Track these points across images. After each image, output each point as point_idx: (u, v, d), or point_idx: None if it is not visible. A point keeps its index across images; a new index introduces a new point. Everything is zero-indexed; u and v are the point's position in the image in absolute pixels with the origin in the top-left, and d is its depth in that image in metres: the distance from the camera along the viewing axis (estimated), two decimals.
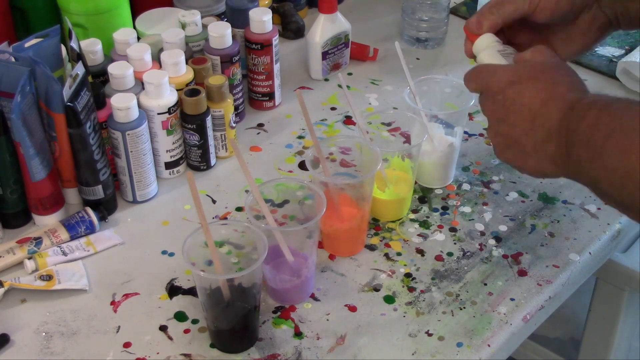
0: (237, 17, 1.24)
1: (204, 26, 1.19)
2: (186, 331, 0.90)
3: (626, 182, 0.70)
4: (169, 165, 1.10)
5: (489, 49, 0.90)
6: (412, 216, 1.05)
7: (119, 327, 0.91)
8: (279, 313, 0.92)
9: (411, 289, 0.95)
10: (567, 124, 0.75)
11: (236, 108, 1.17)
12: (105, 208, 1.04)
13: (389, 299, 0.94)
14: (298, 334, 0.90)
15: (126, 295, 0.94)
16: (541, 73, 0.80)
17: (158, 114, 1.05)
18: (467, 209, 1.06)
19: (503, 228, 1.03)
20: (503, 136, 0.82)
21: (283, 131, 1.20)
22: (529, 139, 0.79)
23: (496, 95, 0.81)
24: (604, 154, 0.71)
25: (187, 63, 1.10)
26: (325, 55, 1.29)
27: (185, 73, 1.09)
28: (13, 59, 1.00)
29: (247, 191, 1.05)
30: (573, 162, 0.75)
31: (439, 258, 0.99)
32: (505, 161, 0.84)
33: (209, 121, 1.09)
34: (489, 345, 0.89)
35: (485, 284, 0.96)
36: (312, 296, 0.94)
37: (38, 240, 0.99)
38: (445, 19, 1.39)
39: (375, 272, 0.97)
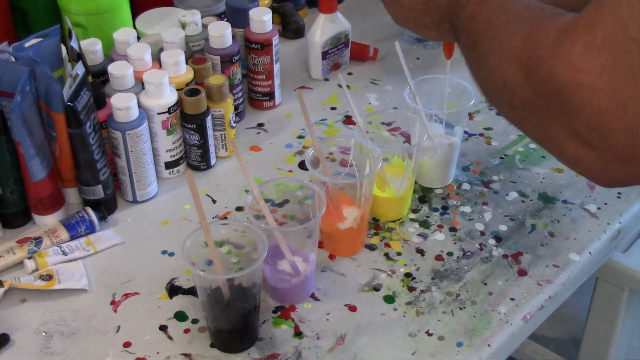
0: (237, 17, 1.24)
1: (204, 26, 1.19)
2: (186, 331, 0.90)
3: (491, 76, 0.74)
4: (169, 165, 1.10)
5: None
6: (412, 216, 1.05)
7: (119, 327, 0.91)
8: (279, 313, 0.92)
9: (411, 289, 0.95)
10: (453, 10, 0.82)
11: (236, 108, 1.17)
12: (105, 208, 1.04)
13: (389, 299, 0.94)
14: (298, 333, 0.90)
15: (126, 295, 0.94)
16: None
17: (158, 113, 1.05)
18: (467, 209, 1.06)
19: (503, 228, 1.03)
20: (402, 15, 0.90)
21: (283, 131, 1.20)
22: (427, 17, 0.87)
23: None
24: (478, 47, 0.75)
25: (187, 63, 1.10)
26: (325, 55, 1.29)
27: (185, 73, 1.09)
28: (13, 59, 1.00)
29: (247, 191, 1.05)
30: (460, 45, 0.82)
31: (439, 258, 0.99)
32: (405, 26, 0.93)
33: (209, 121, 1.09)
34: (489, 345, 0.89)
35: (485, 284, 0.96)
36: (312, 296, 0.94)
37: (38, 240, 0.99)
38: None
39: (375, 272, 0.97)
